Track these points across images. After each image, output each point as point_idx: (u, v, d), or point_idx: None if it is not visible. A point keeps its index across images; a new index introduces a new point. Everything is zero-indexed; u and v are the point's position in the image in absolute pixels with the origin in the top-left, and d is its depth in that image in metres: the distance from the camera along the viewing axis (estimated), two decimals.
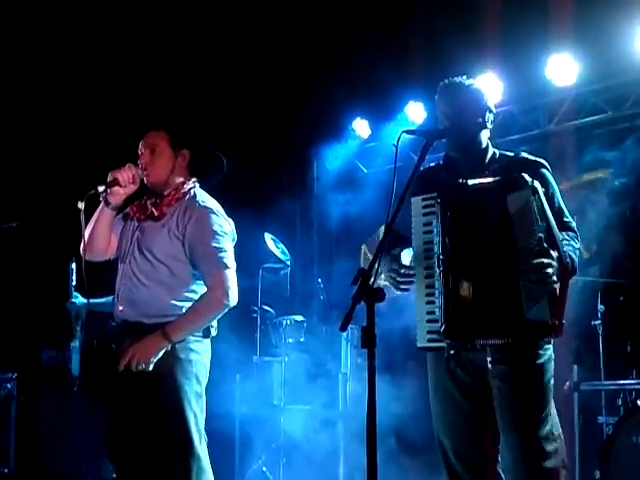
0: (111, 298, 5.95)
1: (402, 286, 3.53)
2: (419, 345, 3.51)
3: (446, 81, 3.62)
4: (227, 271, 3.84)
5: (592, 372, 5.52)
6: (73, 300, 6.47)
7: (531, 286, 3.26)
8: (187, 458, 3.75)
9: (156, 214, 3.91)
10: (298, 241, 8.68)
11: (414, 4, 7.76)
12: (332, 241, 8.65)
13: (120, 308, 3.92)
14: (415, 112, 7.92)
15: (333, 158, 8.81)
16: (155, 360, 3.73)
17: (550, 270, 3.25)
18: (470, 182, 3.41)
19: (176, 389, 3.77)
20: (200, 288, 3.90)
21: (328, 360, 6.93)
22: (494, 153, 3.64)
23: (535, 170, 3.50)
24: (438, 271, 3.40)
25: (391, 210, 3.10)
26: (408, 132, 3.40)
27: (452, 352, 3.43)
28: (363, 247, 7.91)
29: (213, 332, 3.95)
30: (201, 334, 3.88)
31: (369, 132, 8.63)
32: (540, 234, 3.27)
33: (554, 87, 7.13)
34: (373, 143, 8.72)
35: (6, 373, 6.37)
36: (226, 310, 3.86)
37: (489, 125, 3.61)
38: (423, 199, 3.46)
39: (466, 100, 3.56)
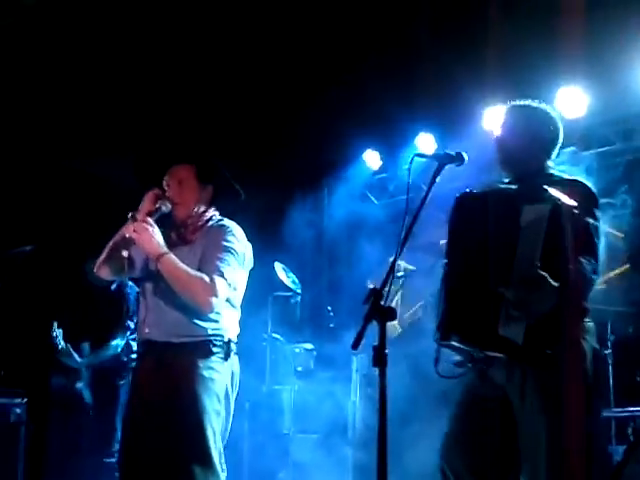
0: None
1: None
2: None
3: (513, 103, 3.65)
4: (220, 279, 3.86)
5: (602, 401, 5.50)
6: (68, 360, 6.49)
7: (513, 311, 3.18)
8: (207, 473, 3.78)
9: (189, 238, 4.02)
10: (309, 270, 8.70)
11: (424, 37, 7.84)
12: (343, 271, 8.67)
13: (146, 330, 4.00)
14: (425, 143, 7.92)
15: (344, 189, 8.85)
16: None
17: (537, 299, 3.15)
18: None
19: (197, 405, 3.81)
20: (224, 311, 3.97)
21: (337, 389, 6.92)
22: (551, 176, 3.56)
23: (572, 187, 3.39)
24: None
25: (401, 236, 3.07)
26: (420, 155, 3.46)
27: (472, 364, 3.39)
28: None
29: (232, 357, 4.00)
30: (223, 356, 3.94)
31: (380, 163, 8.68)
32: (540, 254, 3.15)
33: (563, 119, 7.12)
34: (384, 174, 8.77)
35: (15, 398, 6.37)
36: (202, 310, 3.85)
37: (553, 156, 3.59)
38: None
39: (528, 127, 3.61)
